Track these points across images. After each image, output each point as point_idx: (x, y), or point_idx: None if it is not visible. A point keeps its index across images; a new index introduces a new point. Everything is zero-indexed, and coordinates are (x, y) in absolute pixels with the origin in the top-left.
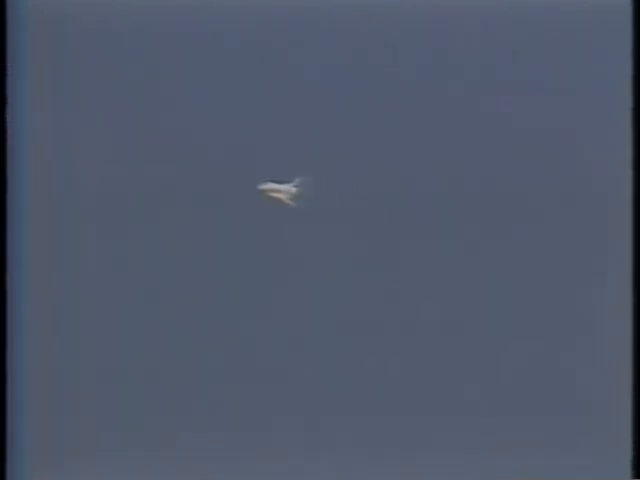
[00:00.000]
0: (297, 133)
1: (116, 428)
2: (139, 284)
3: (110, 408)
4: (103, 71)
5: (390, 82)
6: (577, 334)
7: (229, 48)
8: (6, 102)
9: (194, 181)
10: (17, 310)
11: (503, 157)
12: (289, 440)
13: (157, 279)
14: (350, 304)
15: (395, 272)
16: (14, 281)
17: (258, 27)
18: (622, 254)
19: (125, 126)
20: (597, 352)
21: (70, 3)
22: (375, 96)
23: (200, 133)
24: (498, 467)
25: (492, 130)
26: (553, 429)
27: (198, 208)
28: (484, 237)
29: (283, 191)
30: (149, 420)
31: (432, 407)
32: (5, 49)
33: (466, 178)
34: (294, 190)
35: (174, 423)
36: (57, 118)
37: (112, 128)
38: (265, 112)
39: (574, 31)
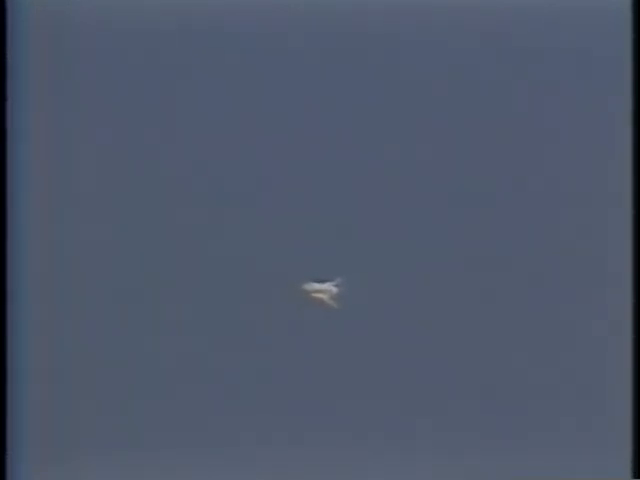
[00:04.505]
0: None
1: (116, 428)
2: (140, 283)
3: (110, 408)
4: (103, 71)
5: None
6: (577, 333)
7: (232, 48)
8: (6, 102)
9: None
10: (17, 310)
11: (503, 158)
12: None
13: (157, 280)
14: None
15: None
16: (14, 281)
17: (258, 28)
18: (622, 254)
19: (125, 126)
20: (597, 352)
21: (70, 3)
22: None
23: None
24: (498, 467)
25: (492, 131)
26: (553, 429)
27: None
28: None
29: (324, 291)
30: (149, 420)
31: (429, 407)
32: (5, 49)
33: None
34: (335, 290)
35: (174, 423)
36: (57, 118)
37: (112, 128)
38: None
39: (574, 31)
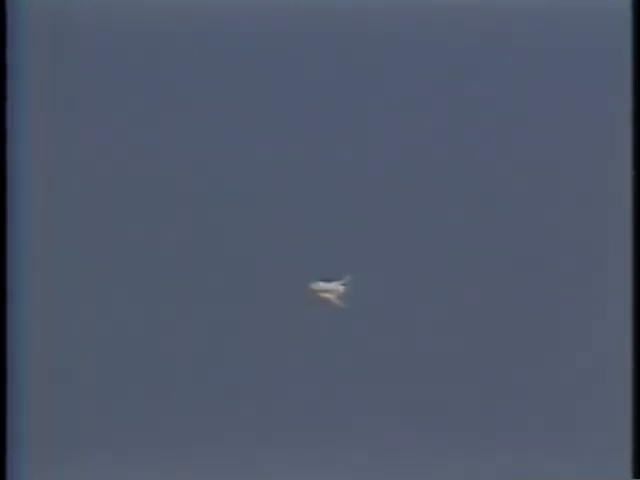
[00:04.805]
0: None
1: (116, 428)
2: (140, 282)
3: (110, 408)
4: (103, 71)
5: None
6: (576, 332)
7: (234, 49)
8: (6, 102)
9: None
10: (17, 310)
11: (503, 158)
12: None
13: (159, 279)
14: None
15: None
16: (14, 281)
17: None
18: (622, 254)
19: (125, 126)
20: (597, 351)
21: (70, 3)
22: None
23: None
24: (498, 467)
25: (492, 131)
26: (553, 429)
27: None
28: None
29: (331, 290)
30: (149, 420)
31: (430, 407)
32: (5, 49)
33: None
34: (342, 289)
35: (174, 423)
36: (57, 118)
37: (112, 128)
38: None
39: (574, 31)
